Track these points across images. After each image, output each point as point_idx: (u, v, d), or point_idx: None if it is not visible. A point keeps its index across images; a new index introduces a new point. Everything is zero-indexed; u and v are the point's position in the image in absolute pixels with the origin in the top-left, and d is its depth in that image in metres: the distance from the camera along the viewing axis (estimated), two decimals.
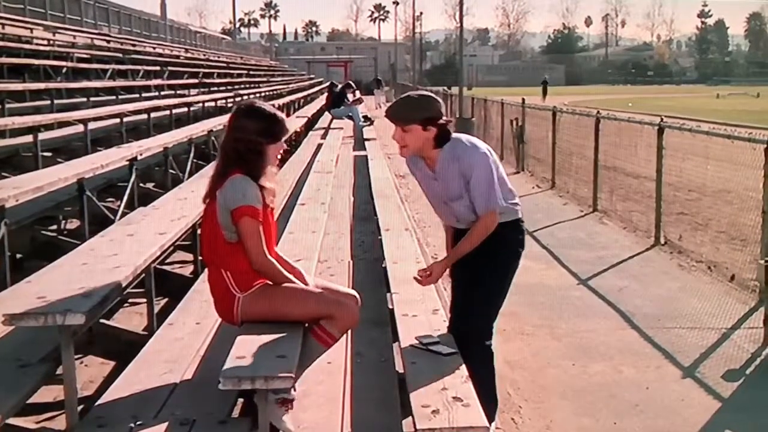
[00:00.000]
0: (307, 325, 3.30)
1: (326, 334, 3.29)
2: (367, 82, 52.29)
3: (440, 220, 4.03)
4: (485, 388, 3.69)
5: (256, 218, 3.23)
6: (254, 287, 3.27)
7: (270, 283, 3.30)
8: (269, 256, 3.28)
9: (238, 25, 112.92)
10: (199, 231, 5.80)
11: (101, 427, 2.95)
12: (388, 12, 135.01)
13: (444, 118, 3.64)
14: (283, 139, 3.47)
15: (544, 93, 49.79)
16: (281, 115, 3.51)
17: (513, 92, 32.02)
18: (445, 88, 40.76)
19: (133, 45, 24.86)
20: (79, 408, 3.20)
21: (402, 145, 3.64)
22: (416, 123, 3.57)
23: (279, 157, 3.50)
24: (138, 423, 2.96)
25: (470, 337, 3.68)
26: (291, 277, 3.34)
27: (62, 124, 10.31)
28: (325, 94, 22.18)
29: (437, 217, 4.04)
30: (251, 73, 36.81)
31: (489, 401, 3.76)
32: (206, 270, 3.53)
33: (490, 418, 3.82)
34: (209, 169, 8.16)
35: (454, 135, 3.69)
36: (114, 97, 15.43)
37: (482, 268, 3.69)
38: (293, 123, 14.59)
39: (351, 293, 3.51)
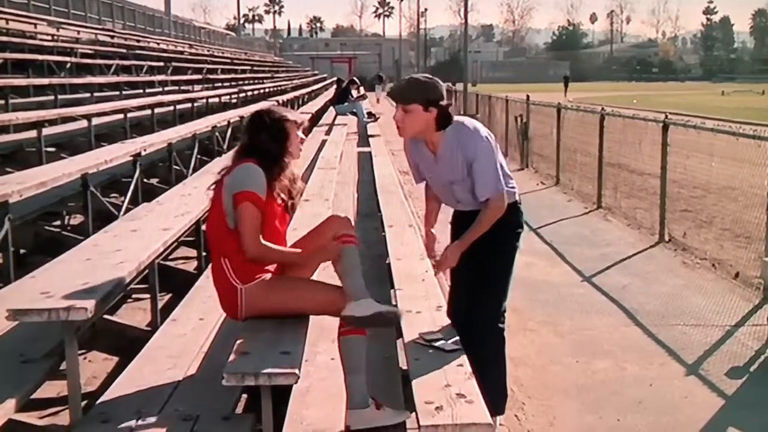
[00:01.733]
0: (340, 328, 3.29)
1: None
2: (369, 78, 52.21)
3: (430, 208, 4.05)
4: (497, 377, 3.82)
5: (257, 205, 3.22)
6: (256, 279, 3.25)
7: (272, 275, 3.29)
8: (263, 241, 3.24)
9: (242, 20, 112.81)
10: (203, 227, 5.81)
11: (105, 423, 2.95)
12: (392, 8, 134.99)
13: (445, 100, 3.66)
14: (300, 130, 3.48)
15: (566, 88, 50.50)
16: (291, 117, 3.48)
17: (519, 89, 31.94)
18: (450, 84, 40.73)
19: (137, 41, 24.86)
20: (83, 404, 3.20)
21: (402, 125, 3.67)
22: (418, 103, 3.59)
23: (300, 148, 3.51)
24: (141, 419, 2.96)
25: (485, 323, 3.78)
26: (292, 250, 3.32)
27: (66, 120, 10.31)
28: (329, 90, 22.16)
29: (441, 215, 4.07)
30: (255, 69, 36.80)
31: (499, 392, 3.82)
32: (210, 264, 3.53)
33: (500, 409, 3.85)
34: (214, 165, 8.17)
35: (457, 118, 3.72)
36: (118, 93, 15.43)
37: (490, 255, 3.74)
38: None
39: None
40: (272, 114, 3.42)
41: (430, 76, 3.75)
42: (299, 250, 3.35)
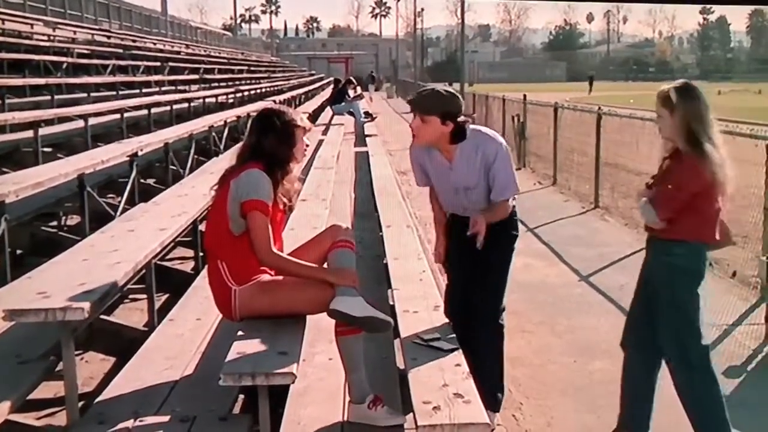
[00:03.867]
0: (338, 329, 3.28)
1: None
2: (364, 78, 52.08)
3: (439, 212, 4.13)
4: (495, 374, 3.91)
5: (265, 213, 3.22)
6: (251, 281, 3.24)
7: (268, 277, 3.29)
8: (275, 250, 3.26)
9: (238, 21, 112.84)
10: (200, 227, 5.81)
11: (102, 424, 2.95)
12: (389, 8, 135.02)
13: (463, 116, 3.75)
14: (304, 137, 3.45)
15: (591, 87, 53.75)
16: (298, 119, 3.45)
17: (516, 89, 31.94)
18: (447, 84, 40.84)
19: (134, 41, 24.86)
20: (80, 404, 3.20)
21: (417, 134, 3.75)
22: (436, 115, 3.67)
23: (305, 152, 3.51)
24: (138, 419, 2.95)
25: (486, 319, 3.88)
26: (302, 262, 3.30)
27: (62, 120, 10.30)
28: (326, 90, 22.15)
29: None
30: (252, 69, 36.78)
31: (496, 389, 3.86)
32: (207, 264, 3.53)
33: (496, 407, 3.87)
34: (211, 165, 8.15)
35: (472, 126, 3.82)
36: (114, 93, 15.41)
37: (488, 255, 3.77)
38: None
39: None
40: (282, 117, 3.37)
41: (451, 90, 3.83)
42: (313, 265, 3.33)
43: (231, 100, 18.59)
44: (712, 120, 3.54)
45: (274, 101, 17.14)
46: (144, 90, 17.22)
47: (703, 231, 3.63)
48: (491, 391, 3.78)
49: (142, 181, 8.08)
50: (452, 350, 3.37)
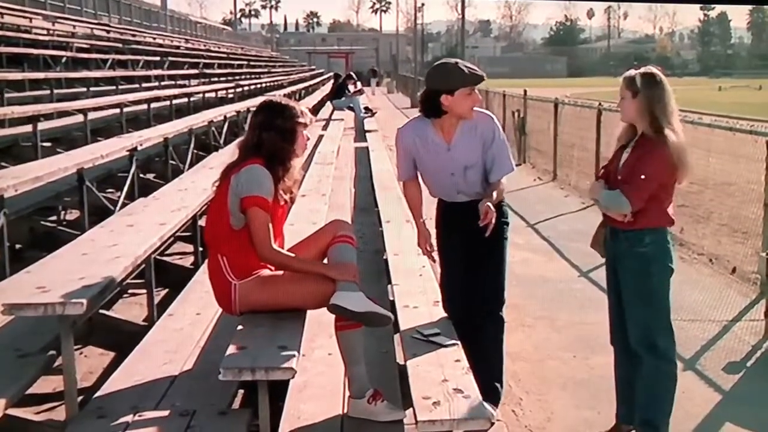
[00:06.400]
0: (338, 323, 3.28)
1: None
2: (365, 73, 51.88)
3: (417, 202, 4.08)
4: (495, 366, 3.92)
5: (265, 210, 3.21)
6: (251, 276, 3.24)
7: (268, 272, 3.28)
8: (275, 246, 3.26)
9: (238, 15, 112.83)
10: (199, 222, 5.80)
11: (101, 418, 2.94)
12: (389, 3, 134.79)
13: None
14: (305, 131, 3.44)
15: None
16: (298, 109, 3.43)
17: (516, 84, 31.90)
18: None
19: (133, 35, 24.79)
20: (79, 399, 3.19)
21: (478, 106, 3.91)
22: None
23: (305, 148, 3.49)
24: (137, 414, 2.95)
25: (487, 311, 3.89)
26: (302, 258, 3.30)
27: (62, 114, 10.29)
28: (326, 85, 22.11)
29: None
30: (252, 63, 36.73)
31: (497, 381, 3.86)
32: (207, 259, 3.52)
33: (496, 399, 3.87)
34: (211, 160, 8.15)
35: None
36: (114, 87, 15.39)
37: (483, 246, 3.77)
38: None
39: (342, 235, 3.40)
40: (285, 113, 3.35)
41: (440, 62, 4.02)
42: (314, 261, 3.33)
43: (231, 95, 18.58)
44: (674, 108, 3.59)
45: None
46: (143, 84, 17.20)
47: (666, 216, 3.68)
48: (490, 385, 3.78)
49: (141, 175, 8.07)
50: (452, 345, 3.37)
